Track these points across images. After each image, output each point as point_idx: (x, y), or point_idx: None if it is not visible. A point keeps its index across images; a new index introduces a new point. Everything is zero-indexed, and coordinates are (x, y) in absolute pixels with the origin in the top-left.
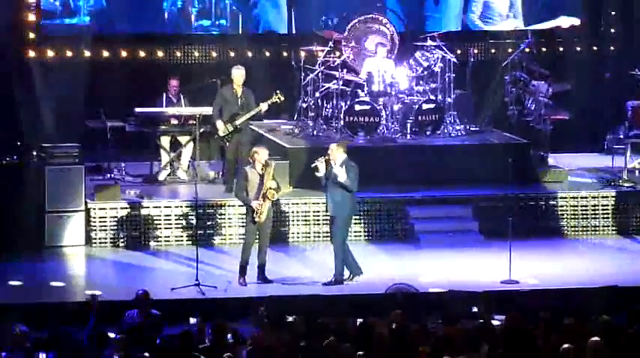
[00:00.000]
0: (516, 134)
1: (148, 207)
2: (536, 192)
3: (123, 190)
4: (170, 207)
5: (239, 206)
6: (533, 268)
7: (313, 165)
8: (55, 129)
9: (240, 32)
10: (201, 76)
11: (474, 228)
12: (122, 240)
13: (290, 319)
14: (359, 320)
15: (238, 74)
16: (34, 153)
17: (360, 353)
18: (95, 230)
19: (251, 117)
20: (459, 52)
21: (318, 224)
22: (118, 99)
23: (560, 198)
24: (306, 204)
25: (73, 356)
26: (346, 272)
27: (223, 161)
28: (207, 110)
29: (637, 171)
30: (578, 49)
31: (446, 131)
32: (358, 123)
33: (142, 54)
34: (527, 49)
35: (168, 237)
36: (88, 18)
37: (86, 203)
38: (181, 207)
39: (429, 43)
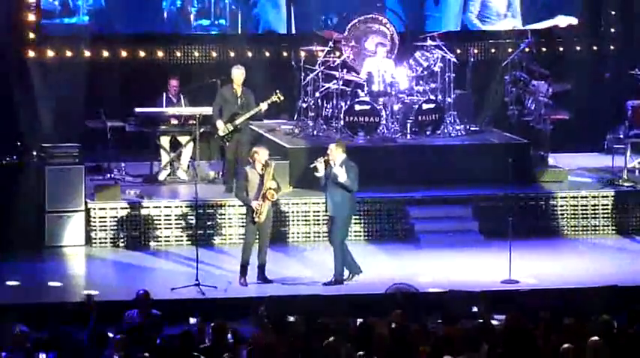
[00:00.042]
0: (516, 134)
1: (148, 207)
2: (536, 192)
3: (123, 190)
4: (170, 207)
5: (239, 206)
6: (534, 268)
7: (312, 166)
8: (55, 129)
9: (240, 32)
10: (201, 75)
11: (474, 228)
12: (122, 240)
13: (291, 319)
14: (359, 320)
15: (238, 74)
16: (34, 153)
17: (360, 353)
18: (95, 230)
19: (251, 116)
20: (458, 51)
21: (318, 224)
22: (117, 100)
23: (560, 197)
24: (306, 204)
25: (74, 356)
26: (346, 272)
27: (223, 161)
28: (207, 110)
29: (637, 171)
30: (578, 48)
31: (446, 131)
32: (358, 123)
33: (141, 54)
34: (527, 49)
35: (169, 237)
36: (87, 17)
37: (86, 203)
38: (181, 207)
39: (429, 42)
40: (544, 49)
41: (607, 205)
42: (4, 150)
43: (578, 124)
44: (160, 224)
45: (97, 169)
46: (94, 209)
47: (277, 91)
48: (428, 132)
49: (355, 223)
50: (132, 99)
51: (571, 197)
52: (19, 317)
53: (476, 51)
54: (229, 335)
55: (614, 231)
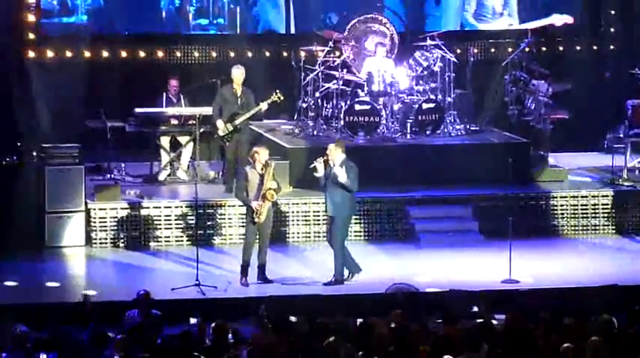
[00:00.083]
0: (516, 133)
1: (148, 208)
2: (536, 192)
3: (123, 190)
4: (170, 207)
5: (239, 206)
6: (534, 268)
7: (311, 166)
8: (55, 130)
9: (240, 31)
10: (201, 76)
11: (474, 228)
12: (122, 241)
13: (293, 319)
14: (359, 320)
15: (238, 73)
16: (34, 154)
17: (361, 353)
18: (95, 230)
19: (251, 116)
20: (458, 51)
21: (319, 224)
22: (118, 100)
23: (561, 197)
24: (306, 204)
25: (74, 357)
26: (345, 272)
27: (223, 161)
28: (207, 110)
29: (637, 171)
30: (578, 48)
31: (446, 131)
32: (358, 123)
33: (141, 54)
34: (527, 49)
35: (169, 237)
36: (85, 17)
37: (86, 203)
38: (181, 207)
39: (429, 42)
40: (544, 49)
41: (607, 205)
42: (4, 151)
43: (578, 124)
44: (160, 224)
45: (97, 169)
46: (94, 209)
47: (277, 91)
48: (428, 132)
49: (355, 223)
50: (132, 100)
51: (571, 197)
52: (19, 318)
53: (476, 50)
54: (230, 336)
55: (614, 231)
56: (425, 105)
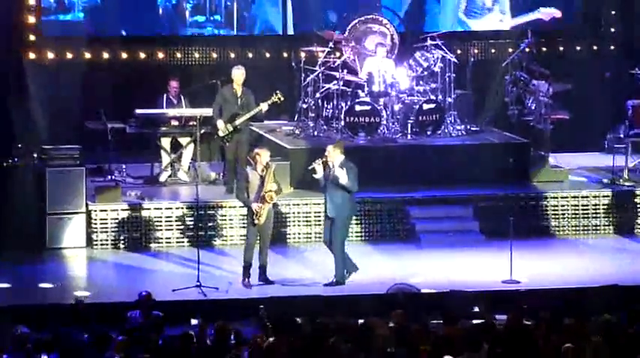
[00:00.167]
0: (517, 134)
1: (148, 209)
2: (537, 192)
3: (124, 192)
4: (171, 208)
5: (240, 207)
6: (534, 268)
7: (310, 167)
8: (55, 131)
9: (236, 29)
10: (202, 76)
11: (474, 228)
12: (123, 242)
13: (298, 320)
14: (360, 321)
15: (238, 74)
16: (35, 155)
17: (361, 353)
18: (96, 232)
19: (251, 117)
20: (459, 52)
21: (319, 225)
22: (118, 101)
23: (561, 197)
24: (306, 204)
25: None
26: None
27: (224, 162)
28: (208, 111)
29: (638, 171)
30: (578, 48)
31: (446, 131)
32: (359, 124)
33: (142, 55)
34: (527, 49)
35: (169, 238)
36: (82, 14)
37: (87, 205)
38: (182, 208)
39: (429, 42)
40: (544, 49)
41: (607, 205)
42: (5, 152)
43: (579, 124)
44: (160, 225)
45: (97, 171)
46: (95, 211)
47: (277, 92)
48: (428, 133)
49: (356, 223)
50: (132, 101)
51: (571, 197)
52: (19, 319)
53: (476, 51)
54: (231, 336)
55: (614, 231)
56: (425, 106)
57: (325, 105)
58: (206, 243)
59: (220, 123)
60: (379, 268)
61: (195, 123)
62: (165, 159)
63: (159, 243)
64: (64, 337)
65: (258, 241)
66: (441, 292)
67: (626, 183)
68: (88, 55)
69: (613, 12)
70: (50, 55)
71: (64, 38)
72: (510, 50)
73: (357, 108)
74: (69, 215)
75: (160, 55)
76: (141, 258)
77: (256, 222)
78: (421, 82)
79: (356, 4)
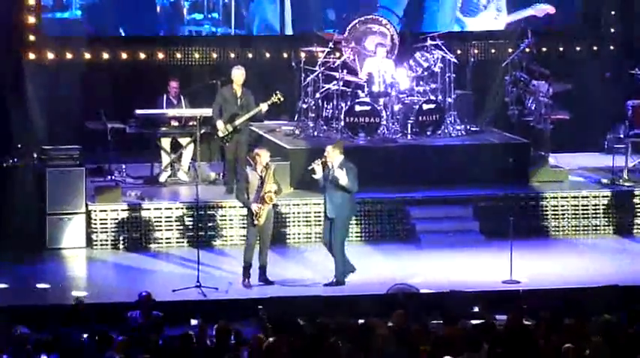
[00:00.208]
0: (517, 134)
1: (148, 209)
2: (537, 192)
3: (124, 192)
4: (171, 208)
5: (240, 207)
6: (534, 268)
7: (310, 168)
8: (55, 131)
9: (236, 28)
10: (202, 77)
11: (474, 228)
12: (123, 242)
13: (300, 322)
14: (360, 321)
15: (238, 74)
16: (35, 155)
17: (361, 353)
18: (96, 232)
19: (251, 117)
20: (459, 52)
21: (319, 225)
22: (118, 101)
23: (561, 197)
24: (306, 205)
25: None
26: None
27: (224, 162)
28: (208, 111)
29: (637, 171)
30: (578, 48)
31: (446, 131)
32: (359, 124)
33: (142, 55)
34: (527, 49)
35: (169, 238)
36: (79, 12)
37: (87, 205)
38: (182, 208)
39: (429, 43)
40: (544, 49)
41: (607, 205)
42: (5, 152)
43: (579, 124)
44: (160, 226)
45: (97, 171)
46: (95, 211)
47: (277, 92)
48: (428, 133)
49: (356, 224)
50: (132, 101)
51: (571, 197)
52: (19, 319)
53: (476, 51)
54: (232, 337)
55: (614, 231)
56: (425, 106)
57: (325, 106)
58: (206, 244)
59: (220, 124)
60: (379, 268)
61: (195, 123)
62: (165, 159)
63: (159, 243)
64: (64, 337)
65: (258, 241)
66: (441, 292)
67: (626, 184)
68: (88, 56)
69: (613, 12)
70: (50, 55)
71: (64, 38)
72: (510, 50)
73: (357, 108)
74: (69, 215)
75: (160, 56)
76: (141, 259)
77: (256, 222)
78: (421, 83)
79: (356, 4)
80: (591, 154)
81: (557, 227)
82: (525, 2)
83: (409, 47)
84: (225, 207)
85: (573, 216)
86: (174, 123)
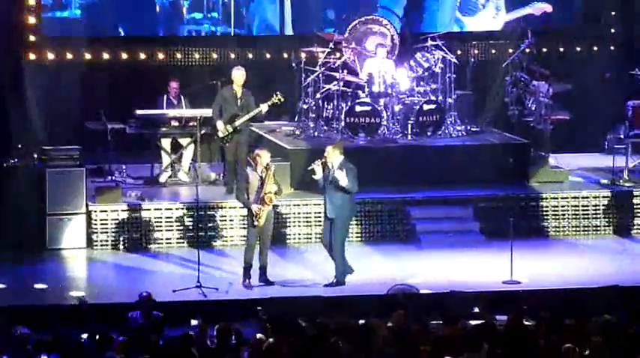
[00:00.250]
0: (517, 134)
1: (149, 209)
2: (537, 193)
3: (124, 192)
4: (171, 209)
5: (240, 208)
6: (534, 268)
7: (310, 168)
8: (55, 132)
9: (235, 27)
10: (202, 77)
11: (474, 229)
12: (123, 243)
13: (302, 323)
14: (360, 322)
15: (239, 74)
16: (35, 156)
17: (361, 353)
18: (96, 232)
19: (251, 118)
20: (459, 52)
21: (319, 225)
22: (118, 101)
23: (561, 198)
24: (307, 205)
25: None
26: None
27: (224, 162)
28: (208, 112)
29: (638, 171)
30: (578, 49)
31: (447, 131)
32: (359, 124)
33: (142, 56)
34: (527, 50)
35: (170, 239)
36: (79, 11)
37: (87, 205)
38: (182, 209)
39: (430, 43)
40: (544, 50)
41: (607, 205)
42: (4, 153)
43: (579, 125)
44: (160, 226)
45: (97, 171)
46: (95, 211)
47: (277, 93)
48: (429, 133)
49: (356, 224)
50: (132, 101)
51: (572, 197)
52: (19, 319)
53: (476, 51)
54: (232, 337)
55: (614, 232)
56: (426, 106)
57: (325, 106)
58: (206, 244)
59: (220, 124)
60: (379, 269)
61: (195, 123)
62: (166, 159)
63: (159, 243)
64: (64, 338)
65: (258, 242)
66: (441, 293)
67: (626, 184)
68: (88, 56)
69: (613, 12)
70: (50, 56)
71: (64, 38)
72: (510, 51)
73: (358, 108)
74: (69, 215)
75: (160, 56)
76: (141, 259)
77: (256, 223)
78: (421, 83)
79: (356, 4)
80: (591, 155)
81: (558, 227)
82: (524, 0)
83: (409, 47)
84: (225, 208)
85: (573, 216)
86: (175, 124)
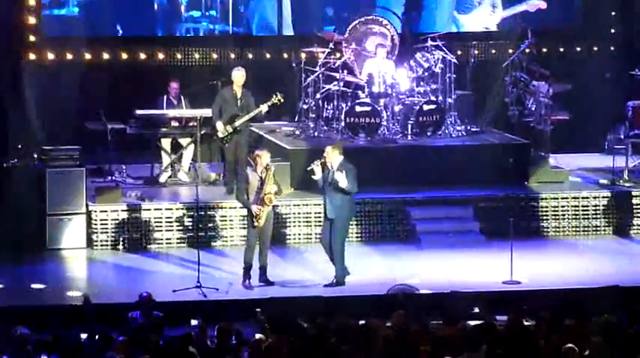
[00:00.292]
0: (517, 134)
1: (149, 210)
2: (537, 193)
3: (124, 192)
4: (171, 209)
5: (240, 208)
6: (534, 268)
7: (309, 169)
8: (55, 132)
9: (233, 26)
10: (202, 77)
11: (474, 229)
12: (123, 243)
13: (303, 324)
14: (360, 322)
15: (239, 75)
16: (35, 156)
17: (361, 354)
18: (96, 232)
19: (250, 119)
20: (459, 52)
21: (319, 225)
22: (118, 102)
23: (561, 198)
24: (307, 205)
25: None
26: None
27: (224, 163)
28: (208, 112)
29: (638, 172)
30: (578, 49)
31: (447, 132)
32: (359, 125)
33: (142, 56)
34: (527, 50)
35: (170, 239)
36: (77, 9)
37: (87, 205)
38: (182, 209)
39: (430, 43)
40: (544, 50)
41: (607, 206)
42: (4, 153)
43: (579, 125)
44: (160, 226)
45: (97, 172)
46: (95, 211)
47: (277, 93)
48: (429, 133)
49: (356, 224)
50: (132, 102)
51: (571, 197)
52: (19, 320)
53: (476, 52)
54: (232, 337)
55: (614, 232)
56: (426, 107)
57: (325, 106)
58: (206, 244)
59: (220, 125)
60: (379, 269)
61: (195, 124)
62: (166, 159)
63: (159, 243)
64: (64, 338)
65: (258, 242)
66: (441, 293)
67: (626, 184)
68: (88, 56)
69: (613, 12)
70: (50, 56)
71: (64, 38)
72: (510, 51)
73: (358, 109)
74: (69, 216)
75: (160, 56)
76: (141, 259)
77: (256, 224)
78: (421, 83)
79: (356, 3)
80: (591, 155)
81: (557, 227)
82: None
83: (409, 48)
84: (225, 208)
85: (573, 216)
86: (175, 124)
